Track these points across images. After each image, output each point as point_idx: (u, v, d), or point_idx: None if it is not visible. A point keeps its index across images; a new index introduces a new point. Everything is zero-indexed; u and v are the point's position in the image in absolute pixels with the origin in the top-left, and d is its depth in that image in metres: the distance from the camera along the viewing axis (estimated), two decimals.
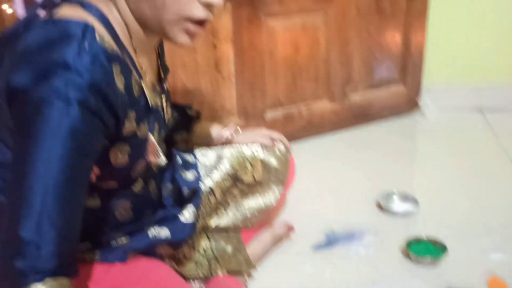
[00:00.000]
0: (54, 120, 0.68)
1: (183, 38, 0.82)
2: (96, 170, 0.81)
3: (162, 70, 0.99)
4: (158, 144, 0.93)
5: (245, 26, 1.82)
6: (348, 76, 2.13)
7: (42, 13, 0.75)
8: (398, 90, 2.29)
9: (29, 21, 0.75)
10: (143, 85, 0.82)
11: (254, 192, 1.17)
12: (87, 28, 0.72)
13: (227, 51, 1.82)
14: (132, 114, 0.79)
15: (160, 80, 0.98)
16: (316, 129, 2.13)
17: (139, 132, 0.83)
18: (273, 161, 1.19)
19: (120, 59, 0.76)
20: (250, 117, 1.95)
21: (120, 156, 0.82)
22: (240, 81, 1.88)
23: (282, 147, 1.25)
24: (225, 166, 1.11)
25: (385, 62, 2.22)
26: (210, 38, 1.77)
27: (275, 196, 1.21)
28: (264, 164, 1.17)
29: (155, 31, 0.83)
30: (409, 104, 2.34)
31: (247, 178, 1.13)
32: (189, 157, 1.17)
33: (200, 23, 0.81)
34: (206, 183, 1.08)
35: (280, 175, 1.21)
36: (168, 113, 1.01)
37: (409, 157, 2.04)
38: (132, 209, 0.94)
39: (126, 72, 0.77)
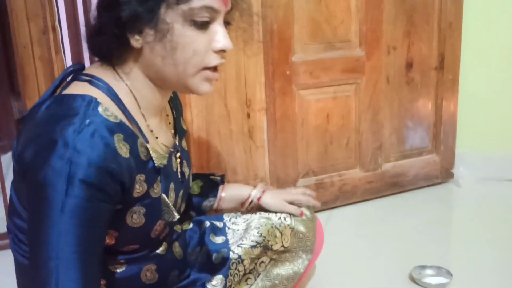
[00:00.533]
0: (58, 202, 0.71)
1: (204, 87, 0.87)
2: (114, 233, 0.83)
3: (177, 131, 1.03)
4: (175, 203, 0.95)
5: (278, 96, 1.89)
6: (379, 145, 2.15)
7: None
8: (431, 159, 2.29)
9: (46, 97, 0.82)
10: (149, 147, 0.85)
11: (283, 260, 1.17)
12: (90, 101, 0.76)
13: (260, 120, 1.89)
14: (141, 177, 0.82)
15: (178, 137, 1.02)
16: (348, 198, 2.13)
17: (152, 193, 0.85)
18: (301, 228, 1.19)
19: (124, 127, 0.79)
20: (283, 185, 1.98)
21: (135, 218, 0.83)
22: (272, 149, 1.93)
23: (308, 213, 1.25)
24: (254, 234, 1.12)
25: (417, 131, 2.24)
26: (244, 108, 1.85)
27: (304, 264, 1.20)
28: (293, 231, 1.17)
29: (176, 87, 0.88)
30: (443, 173, 2.33)
31: (276, 246, 1.13)
32: (218, 223, 1.19)
33: (215, 68, 0.87)
34: (235, 251, 1.09)
35: (308, 241, 1.20)
36: (186, 172, 1.02)
37: (443, 227, 2.00)
38: (157, 270, 0.95)
39: (131, 139, 0.80)
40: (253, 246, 1.10)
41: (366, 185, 2.16)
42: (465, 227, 1.99)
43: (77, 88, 0.80)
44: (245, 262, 1.09)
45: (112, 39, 0.80)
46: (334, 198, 2.10)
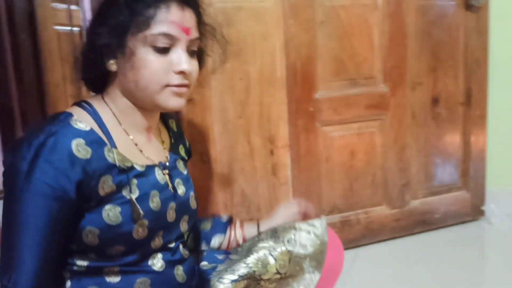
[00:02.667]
0: (16, 198, 0.86)
1: (173, 102, 0.96)
2: (95, 231, 0.91)
3: (170, 153, 1.09)
4: (163, 213, 0.99)
5: (301, 133, 1.89)
6: (406, 182, 2.11)
7: None
8: (460, 196, 2.23)
9: None
10: (115, 151, 0.93)
11: (285, 286, 1.12)
12: (67, 115, 0.91)
13: (284, 157, 1.89)
14: (108, 178, 0.91)
15: (171, 159, 1.08)
16: (375, 236, 2.09)
17: (126, 194, 0.93)
18: (302, 249, 1.12)
19: (91, 135, 0.91)
20: None
21: (112, 215, 0.91)
22: (296, 186, 1.92)
23: (317, 229, 1.18)
24: (241, 266, 1.07)
25: (445, 167, 2.19)
26: (267, 145, 1.85)
27: (313, 280, 1.12)
28: (291, 255, 1.10)
29: (149, 105, 0.98)
30: (473, 210, 2.26)
31: (268, 275, 1.06)
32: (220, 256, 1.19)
33: (180, 85, 0.96)
34: (224, 282, 1.04)
35: (313, 261, 1.13)
36: (180, 190, 1.06)
37: (474, 267, 1.93)
38: (152, 286, 0.98)
39: (97, 145, 0.91)
40: (234, 281, 1.04)
41: (393, 222, 2.11)
42: (497, 267, 1.91)
43: (68, 109, 0.96)
44: None
45: (93, 66, 0.96)
46: (360, 236, 2.06)
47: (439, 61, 2.09)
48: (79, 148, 0.88)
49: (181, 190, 1.06)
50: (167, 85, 0.94)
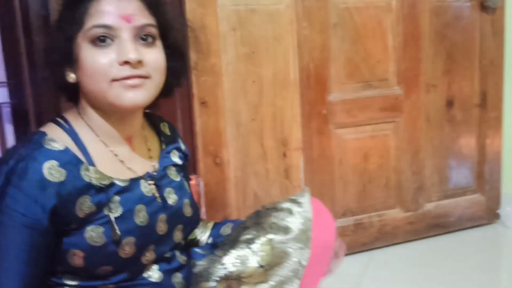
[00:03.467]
0: None
1: (127, 97, 0.88)
2: (79, 253, 0.88)
3: (160, 161, 1.04)
4: (152, 226, 0.95)
5: (314, 136, 1.88)
6: (421, 185, 2.09)
7: None
8: (475, 199, 2.21)
9: None
10: (91, 170, 0.89)
11: (271, 276, 1.03)
12: (40, 135, 0.87)
13: (297, 159, 1.88)
14: (86, 199, 0.87)
15: (160, 167, 1.03)
16: (389, 239, 2.07)
17: (108, 212, 0.89)
18: (285, 233, 1.04)
19: (65, 154, 0.87)
20: None
21: (95, 236, 0.88)
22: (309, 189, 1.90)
23: (301, 208, 1.07)
24: (219, 268, 1.00)
25: (460, 170, 2.17)
26: (280, 147, 1.85)
27: (300, 265, 1.04)
28: (274, 243, 1.02)
29: (109, 108, 0.91)
30: (489, 214, 2.23)
31: (249, 271, 0.99)
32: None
33: (129, 76, 0.88)
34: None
35: (298, 242, 1.04)
36: (171, 199, 1.01)
37: (490, 271, 1.90)
38: None
39: (72, 165, 0.87)
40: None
41: (407, 226, 2.09)
42: None
43: (44, 127, 0.93)
44: None
45: (53, 78, 0.93)
46: (373, 240, 2.04)
47: (454, 63, 2.07)
48: (52, 171, 0.84)
49: (172, 199, 1.02)
50: (114, 79, 0.87)
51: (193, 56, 1.66)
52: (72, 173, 0.86)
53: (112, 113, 0.93)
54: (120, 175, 0.93)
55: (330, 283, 1.47)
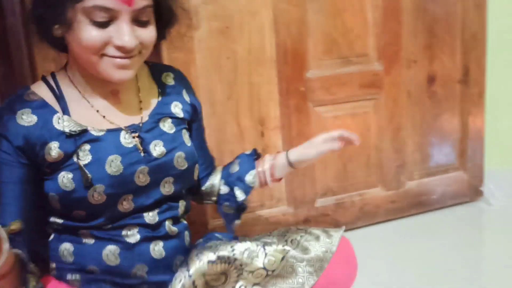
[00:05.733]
0: None
1: (117, 74, 0.93)
2: (55, 197, 0.95)
3: (152, 112, 1.05)
4: (126, 176, 0.97)
5: (293, 114, 1.83)
6: (402, 163, 2.05)
7: None
8: (458, 176, 2.18)
9: None
10: (65, 119, 0.95)
11: (270, 285, 1.03)
12: (24, 90, 0.97)
13: (275, 139, 1.83)
14: (54, 144, 0.94)
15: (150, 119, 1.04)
16: (370, 218, 2.04)
17: (75, 158, 0.94)
18: (302, 252, 1.06)
19: (40, 104, 0.95)
20: (300, 205, 1.91)
21: (66, 182, 0.94)
22: None
23: (329, 239, 1.10)
24: (227, 250, 1.01)
25: (442, 147, 2.14)
26: (258, 126, 1.79)
27: (307, 283, 1.04)
28: (286, 255, 1.04)
29: (96, 74, 0.95)
30: (471, 191, 2.21)
31: (252, 267, 1.00)
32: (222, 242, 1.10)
33: (122, 56, 0.92)
34: (202, 259, 0.99)
35: (310, 267, 1.05)
36: (156, 152, 1.01)
37: (473, 248, 1.88)
38: (120, 255, 0.99)
39: (44, 113, 0.95)
40: (211, 262, 0.98)
41: (388, 204, 2.06)
42: (496, 248, 1.87)
43: (34, 83, 1.01)
44: (197, 283, 0.97)
45: (41, 31, 0.94)
46: (355, 219, 2.01)
47: (436, 37, 2.01)
48: (23, 116, 0.93)
49: (158, 151, 1.01)
50: (104, 55, 0.91)
51: None
52: (43, 119, 0.94)
53: (94, 74, 0.96)
54: (97, 126, 0.97)
55: None
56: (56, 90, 0.98)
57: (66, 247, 1.00)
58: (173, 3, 1.00)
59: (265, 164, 1.19)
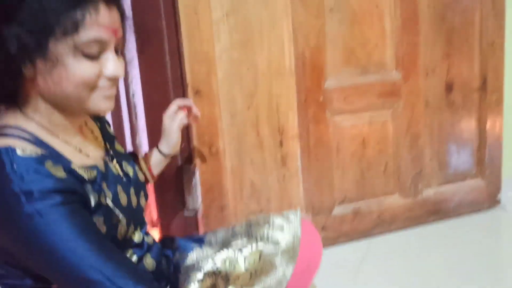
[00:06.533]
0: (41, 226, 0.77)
1: (104, 105, 0.89)
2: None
3: (106, 139, 1.06)
4: (129, 202, 0.98)
5: (311, 123, 1.86)
6: (420, 171, 2.07)
7: None
8: (475, 184, 2.18)
9: None
10: (74, 167, 0.86)
11: (257, 282, 1.10)
12: (7, 151, 0.79)
13: (294, 147, 1.86)
14: (88, 188, 0.86)
15: (109, 144, 1.06)
16: (388, 226, 2.06)
17: (103, 200, 0.89)
18: (274, 246, 1.13)
19: (48, 156, 0.82)
20: (318, 213, 1.93)
21: (98, 226, 0.87)
22: (307, 177, 1.89)
23: (292, 225, 1.18)
24: (210, 264, 1.06)
25: (460, 155, 2.14)
26: (277, 135, 1.82)
27: (284, 278, 1.13)
28: (262, 254, 1.11)
29: (79, 111, 0.90)
30: (489, 199, 2.21)
31: (237, 273, 1.06)
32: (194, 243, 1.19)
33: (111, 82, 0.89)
34: (193, 281, 1.03)
35: (285, 256, 1.14)
36: (130, 171, 1.05)
37: (490, 256, 1.89)
38: None
39: (59, 161, 0.84)
40: (200, 280, 1.03)
41: (406, 212, 2.08)
42: None
43: None
44: None
45: (6, 75, 0.82)
46: (372, 226, 2.03)
47: (453, 46, 2.02)
48: (54, 169, 0.81)
49: (130, 171, 1.05)
50: (96, 89, 0.86)
51: (185, 44, 1.63)
52: (67, 167, 0.84)
53: (67, 108, 0.89)
54: (96, 163, 0.93)
55: (330, 270, 1.46)
56: (35, 139, 0.86)
57: None
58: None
59: (141, 166, 1.28)
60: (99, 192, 0.89)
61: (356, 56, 1.87)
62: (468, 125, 2.13)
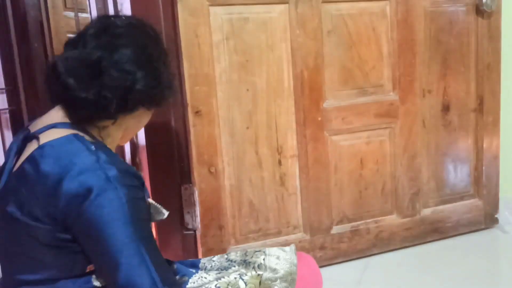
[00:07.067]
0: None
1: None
2: None
3: None
4: None
5: (310, 143, 1.88)
6: (417, 190, 2.08)
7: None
8: (473, 204, 2.20)
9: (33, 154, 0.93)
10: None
11: None
12: (106, 154, 0.94)
13: (292, 167, 1.88)
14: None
15: None
16: (386, 245, 2.07)
17: (150, 200, 1.02)
18: (272, 273, 1.16)
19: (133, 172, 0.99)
20: (316, 232, 1.95)
21: None
22: (305, 196, 1.91)
23: (287, 255, 1.23)
24: None
25: (457, 175, 2.16)
26: (275, 155, 1.84)
27: None
28: (262, 279, 1.15)
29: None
30: (487, 218, 2.23)
31: None
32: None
33: None
34: None
35: (284, 282, 1.18)
36: None
37: (488, 276, 1.89)
38: None
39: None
40: None
41: (404, 231, 2.09)
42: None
43: (87, 151, 0.94)
44: None
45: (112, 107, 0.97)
46: (370, 246, 2.04)
47: (450, 67, 2.06)
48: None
49: None
50: None
51: (186, 65, 1.66)
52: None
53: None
54: None
55: None
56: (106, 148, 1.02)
57: None
58: None
59: None
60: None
61: (354, 77, 1.90)
62: (465, 145, 2.15)
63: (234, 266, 1.19)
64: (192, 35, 1.65)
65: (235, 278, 1.12)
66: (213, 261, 1.25)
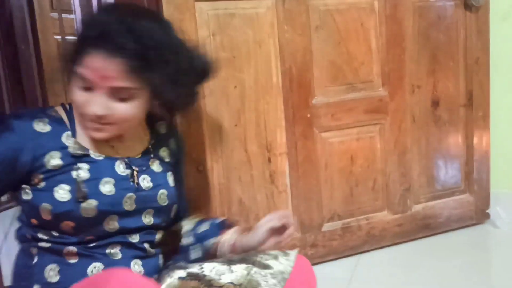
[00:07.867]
0: None
1: (94, 134, 1.09)
2: (48, 206, 1.04)
3: (149, 155, 1.21)
4: (117, 199, 1.10)
5: (299, 140, 1.86)
6: (408, 187, 2.07)
7: None
8: (464, 199, 2.19)
9: None
10: (70, 139, 1.10)
11: None
12: (50, 108, 1.13)
13: (282, 164, 1.86)
14: (56, 154, 1.06)
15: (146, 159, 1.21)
16: (377, 242, 2.05)
17: (75, 175, 1.06)
18: (264, 268, 1.13)
19: (57, 119, 1.11)
20: (307, 230, 1.93)
21: (62, 193, 1.05)
22: (295, 194, 1.89)
23: (287, 256, 1.19)
24: (196, 267, 1.08)
25: (448, 170, 2.16)
26: (265, 152, 1.83)
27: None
28: (251, 270, 1.10)
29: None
30: (478, 214, 2.22)
31: (220, 283, 1.06)
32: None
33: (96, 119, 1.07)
34: (172, 276, 1.05)
35: (274, 279, 1.13)
36: (145, 185, 1.16)
37: (480, 271, 1.89)
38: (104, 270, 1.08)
39: (58, 126, 1.10)
40: (182, 278, 1.04)
41: (395, 228, 2.08)
42: (503, 271, 1.87)
43: (56, 106, 1.16)
44: None
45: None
46: (361, 243, 2.02)
47: (439, 63, 2.05)
48: (39, 123, 1.07)
49: (146, 184, 1.16)
50: (86, 116, 1.06)
51: None
52: (55, 132, 1.08)
53: None
54: (99, 151, 1.11)
55: (319, 287, 1.45)
56: (70, 114, 1.13)
57: (52, 267, 1.07)
58: (175, 90, 1.12)
59: (227, 237, 1.28)
60: (72, 165, 1.07)
61: (343, 73, 1.89)
62: (455, 141, 2.15)
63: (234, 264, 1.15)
64: (177, 30, 1.62)
65: (223, 263, 1.10)
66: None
